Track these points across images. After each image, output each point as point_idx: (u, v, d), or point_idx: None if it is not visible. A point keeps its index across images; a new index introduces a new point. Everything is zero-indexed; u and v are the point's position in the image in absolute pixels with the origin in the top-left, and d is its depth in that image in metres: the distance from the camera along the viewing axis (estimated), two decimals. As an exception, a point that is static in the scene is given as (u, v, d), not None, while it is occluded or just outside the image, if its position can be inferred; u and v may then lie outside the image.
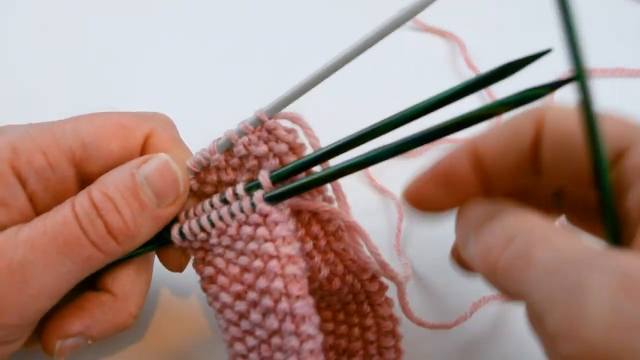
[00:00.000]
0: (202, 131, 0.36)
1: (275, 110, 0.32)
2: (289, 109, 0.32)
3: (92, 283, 0.34)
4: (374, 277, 0.36)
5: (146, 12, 0.62)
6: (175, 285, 0.42)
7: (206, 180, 0.34)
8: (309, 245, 0.34)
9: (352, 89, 0.50)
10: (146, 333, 0.40)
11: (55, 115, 0.34)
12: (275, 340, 0.30)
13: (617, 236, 0.24)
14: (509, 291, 0.24)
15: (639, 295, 0.18)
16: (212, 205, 0.32)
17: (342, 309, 0.38)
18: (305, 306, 0.29)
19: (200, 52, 0.59)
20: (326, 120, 0.37)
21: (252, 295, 0.30)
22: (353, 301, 0.37)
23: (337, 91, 0.42)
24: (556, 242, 0.22)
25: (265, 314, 0.30)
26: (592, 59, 0.24)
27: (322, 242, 0.34)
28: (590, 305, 0.19)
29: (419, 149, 0.28)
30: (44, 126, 0.32)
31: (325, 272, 0.34)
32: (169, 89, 0.54)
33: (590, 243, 0.22)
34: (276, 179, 0.31)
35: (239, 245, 0.31)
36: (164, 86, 0.55)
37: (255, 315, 0.30)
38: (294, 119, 0.33)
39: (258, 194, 0.30)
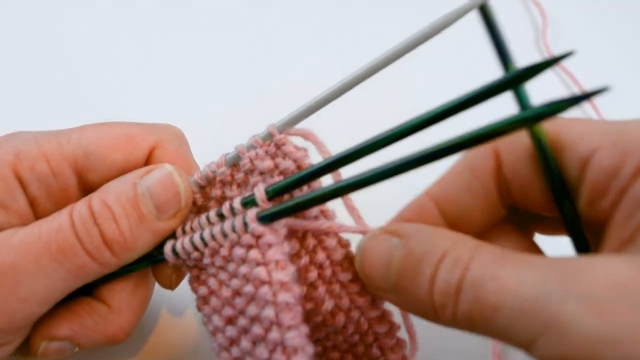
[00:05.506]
0: (217, 147, 0.34)
1: (288, 125, 0.30)
2: (305, 125, 0.30)
3: (91, 292, 0.33)
4: (383, 316, 0.32)
5: (160, 23, 0.62)
6: (173, 302, 0.41)
7: (211, 196, 0.33)
8: (313, 274, 0.31)
9: (372, 104, 0.48)
10: (141, 350, 0.38)
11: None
12: None
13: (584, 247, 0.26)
14: (476, 332, 0.24)
15: (609, 312, 0.20)
16: (208, 220, 0.30)
17: (349, 350, 0.34)
18: (297, 337, 0.26)
19: (219, 65, 0.58)
20: (344, 137, 0.33)
21: (242, 321, 0.28)
22: (360, 342, 0.33)
23: (356, 106, 0.39)
24: (505, 279, 0.22)
25: (255, 342, 0.27)
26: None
27: (328, 272, 0.31)
28: (572, 335, 0.20)
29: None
30: (52, 134, 0.32)
31: (329, 304, 0.31)
32: (188, 102, 0.54)
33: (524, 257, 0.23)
34: (274, 194, 0.28)
35: (231, 267, 0.29)
36: (184, 100, 0.54)
37: (245, 343, 0.28)
38: (305, 135, 0.31)
39: (251, 213, 0.28)
